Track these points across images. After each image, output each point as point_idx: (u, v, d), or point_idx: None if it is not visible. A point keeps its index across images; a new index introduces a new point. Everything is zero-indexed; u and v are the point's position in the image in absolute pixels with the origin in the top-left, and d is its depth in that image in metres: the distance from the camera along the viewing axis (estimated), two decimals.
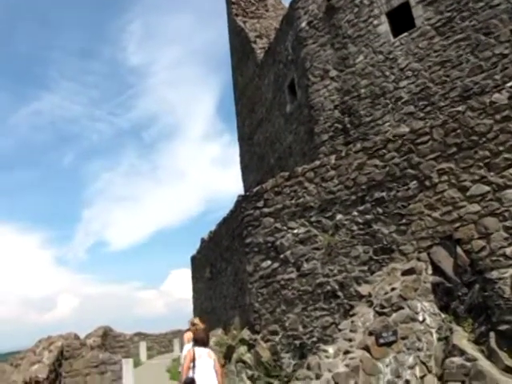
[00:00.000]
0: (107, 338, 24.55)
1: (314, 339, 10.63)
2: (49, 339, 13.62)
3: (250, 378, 11.71)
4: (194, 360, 6.86)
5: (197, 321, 8.97)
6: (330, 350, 7.49)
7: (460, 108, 9.31)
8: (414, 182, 9.53)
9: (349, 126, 14.55)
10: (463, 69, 12.26)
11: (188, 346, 7.35)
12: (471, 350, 7.66)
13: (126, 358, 15.00)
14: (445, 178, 9.12)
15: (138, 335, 26.28)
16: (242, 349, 12.22)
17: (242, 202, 12.76)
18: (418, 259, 9.04)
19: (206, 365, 6.86)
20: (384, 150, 10.19)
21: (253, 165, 22.04)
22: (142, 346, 23.78)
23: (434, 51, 12.90)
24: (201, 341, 7.16)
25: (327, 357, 7.29)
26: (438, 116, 9.93)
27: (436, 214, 9.10)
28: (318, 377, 6.83)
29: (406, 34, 13.63)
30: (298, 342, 11.04)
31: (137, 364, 18.36)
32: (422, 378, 7.69)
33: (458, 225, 8.77)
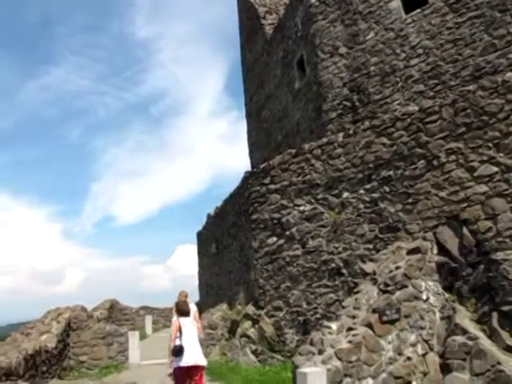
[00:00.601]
0: (114, 311, 24.91)
1: (318, 316, 10.76)
2: (57, 310, 13.85)
3: (254, 352, 11.90)
4: (180, 329, 7.70)
5: (184, 293, 9.51)
6: (334, 326, 7.56)
7: (471, 87, 9.18)
8: (422, 161, 9.48)
9: (357, 103, 14.42)
10: (476, 47, 12.03)
11: (174, 318, 8.10)
12: (473, 329, 7.72)
13: (132, 330, 15.22)
14: (453, 157, 9.05)
15: (143, 309, 26.61)
16: (247, 324, 12.40)
17: (248, 178, 12.76)
18: (424, 239, 9.05)
19: (190, 332, 7.78)
20: (392, 129, 10.11)
21: (260, 141, 21.97)
22: (148, 320, 24.08)
23: (447, 29, 12.65)
24: (184, 312, 8.02)
25: (330, 333, 7.36)
26: (448, 95, 9.82)
27: (443, 194, 9.07)
28: (320, 352, 6.91)
29: (418, 10, 13.36)
30: (301, 319, 11.17)
31: (143, 337, 18.66)
32: (423, 355, 7.78)
33: (464, 205, 8.75)
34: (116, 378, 11.03)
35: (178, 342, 7.57)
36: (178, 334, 7.66)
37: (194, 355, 7.52)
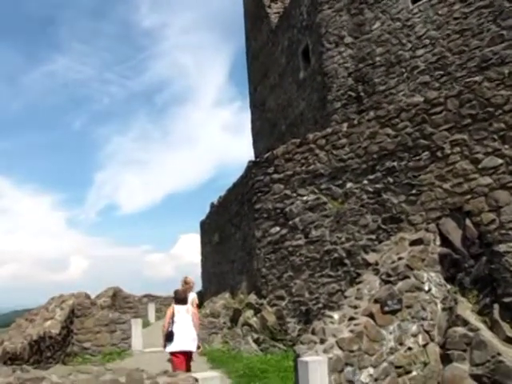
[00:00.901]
0: (117, 299, 25.06)
1: (320, 305, 10.81)
2: (61, 297, 13.96)
3: (256, 340, 12.00)
4: (173, 316, 8.11)
5: (188, 279, 9.79)
6: (335, 316, 7.60)
7: (477, 78, 9.12)
8: (426, 152, 9.45)
9: (362, 94, 14.36)
10: (483, 38, 11.93)
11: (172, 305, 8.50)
12: (474, 320, 7.75)
13: (135, 318, 15.34)
14: (457, 149, 9.02)
15: (146, 297, 26.75)
16: (249, 313, 12.48)
17: (252, 167, 12.78)
18: (427, 230, 9.06)
19: (184, 319, 8.12)
20: (397, 120, 10.08)
21: (264, 131, 21.93)
22: (151, 308, 24.21)
23: (454, 19, 12.56)
24: (180, 299, 8.39)
25: (332, 322, 7.40)
26: (454, 86, 9.77)
27: (447, 186, 9.05)
28: (322, 341, 6.95)
29: (425, 0, 13.25)
30: (303, 308, 11.24)
31: (145, 325, 18.79)
32: (424, 346, 7.82)
33: (468, 197, 8.73)
34: (119, 364, 11.15)
35: (170, 328, 8.02)
36: (171, 321, 8.07)
37: (183, 341, 7.95)
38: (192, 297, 9.23)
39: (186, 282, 9.79)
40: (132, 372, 5.37)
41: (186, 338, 8.05)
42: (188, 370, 8.03)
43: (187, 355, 8.12)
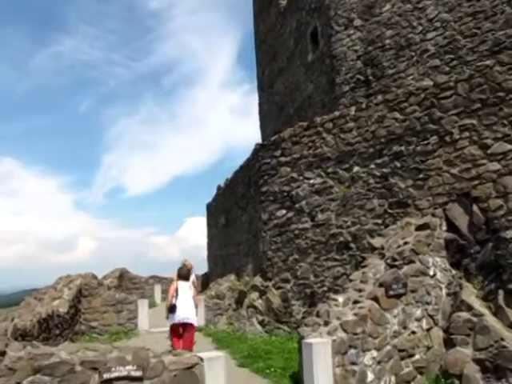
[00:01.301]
0: (123, 280, 25.30)
1: (325, 289, 10.88)
2: (68, 277, 14.13)
3: (261, 322, 12.11)
4: (177, 290, 8.88)
5: (187, 262, 10.40)
6: (340, 299, 7.64)
7: (488, 62, 8.99)
8: (435, 137, 9.39)
9: (371, 77, 14.22)
10: (496, 20, 11.73)
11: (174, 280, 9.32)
12: (479, 306, 7.76)
13: (141, 298, 15.50)
14: (466, 134, 8.94)
15: (153, 278, 26.96)
16: (254, 295, 12.58)
17: (259, 150, 12.76)
18: (433, 215, 9.04)
19: (186, 294, 8.90)
20: (405, 104, 9.99)
21: (272, 114, 21.83)
22: (157, 289, 24.41)
23: (467, 1, 12.35)
24: (183, 276, 9.20)
25: (336, 305, 7.44)
26: (464, 70, 9.63)
27: (454, 171, 9.00)
28: (326, 324, 7.00)
29: None
30: (308, 291, 11.31)
31: (152, 305, 18.98)
32: (427, 330, 7.86)
33: (476, 182, 8.68)
34: (126, 343, 11.30)
35: (173, 301, 8.80)
36: (175, 294, 8.83)
37: (184, 314, 8.72)
38: (192, 277, 10.09)
39: (184, 265, 10.23)
40: (138, 350, 5.46)
41: (188, 311, 8.79)
42: (191, 341, 8.97)
43: (187, 327, 8.85)
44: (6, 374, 4.61)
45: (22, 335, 8.30)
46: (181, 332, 8.87)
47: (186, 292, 8.93)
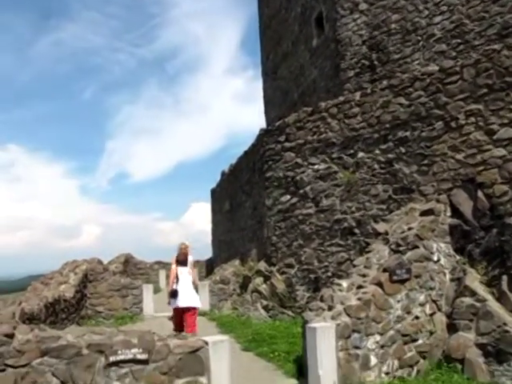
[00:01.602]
0: (128, 265, 25.50)
1: (329, 274, 10.93)
2: (74, 263, 14.25)
3: (265, 307, 12.20)
4: (177, 276, 9.17)
5: (183, 246, 10.28)
6: (344, 284, 7.67)
7: (496, 46, 8.88)
8: (440, 122, 9.34)
9: (376, 62, 14.11)
10: (505, 3, 11.55)
11: (173, 266, 9.48)
12: (482, 291, 7.78)
13: (146, 284, 15.63)
14: (472, 119, 8.88)
15: (157, 263, 27.15)
16: (258, 280, 12.65)
17: (263, 135, 12.74)
18: (438, 201, 9.03)
19: (186, 279, 9.19)
20: (411, 89, 9.92)
21: (276, 100, 21.72)
22: (162, 274, 24.58)
23: None
24: (182, 261, 9.41)
25: (340, 290, 7.48)
26: (471, 55, 9.54)
27: (459, 157, 8.96)
28: (330, 308, 7.05)
29: None
30: (312, 276, 11.37)
31: (157, 290, 19.15)
32: (431, 315, 7.89)
33: (481, 168, 8.63)
34: (131, 327, 11.41)
35: (174, 287, 9.05)
36: (175, 280, 9.11)
37: (186, 298, 8.98)
38: (189, 259, 10.11)
39: (181, 249, 10.17)
40: (144, 334, 5.53)
41: (190, 295, 9.07)
42: (194, 324, 9.15)
43: (190, 310, 9.06)
44: (15, 355, 4.70)
45: (30, 319, 8.41)
46: (183, 316, 9.07)
47: (186, 277, 9.23)
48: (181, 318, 9.06)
